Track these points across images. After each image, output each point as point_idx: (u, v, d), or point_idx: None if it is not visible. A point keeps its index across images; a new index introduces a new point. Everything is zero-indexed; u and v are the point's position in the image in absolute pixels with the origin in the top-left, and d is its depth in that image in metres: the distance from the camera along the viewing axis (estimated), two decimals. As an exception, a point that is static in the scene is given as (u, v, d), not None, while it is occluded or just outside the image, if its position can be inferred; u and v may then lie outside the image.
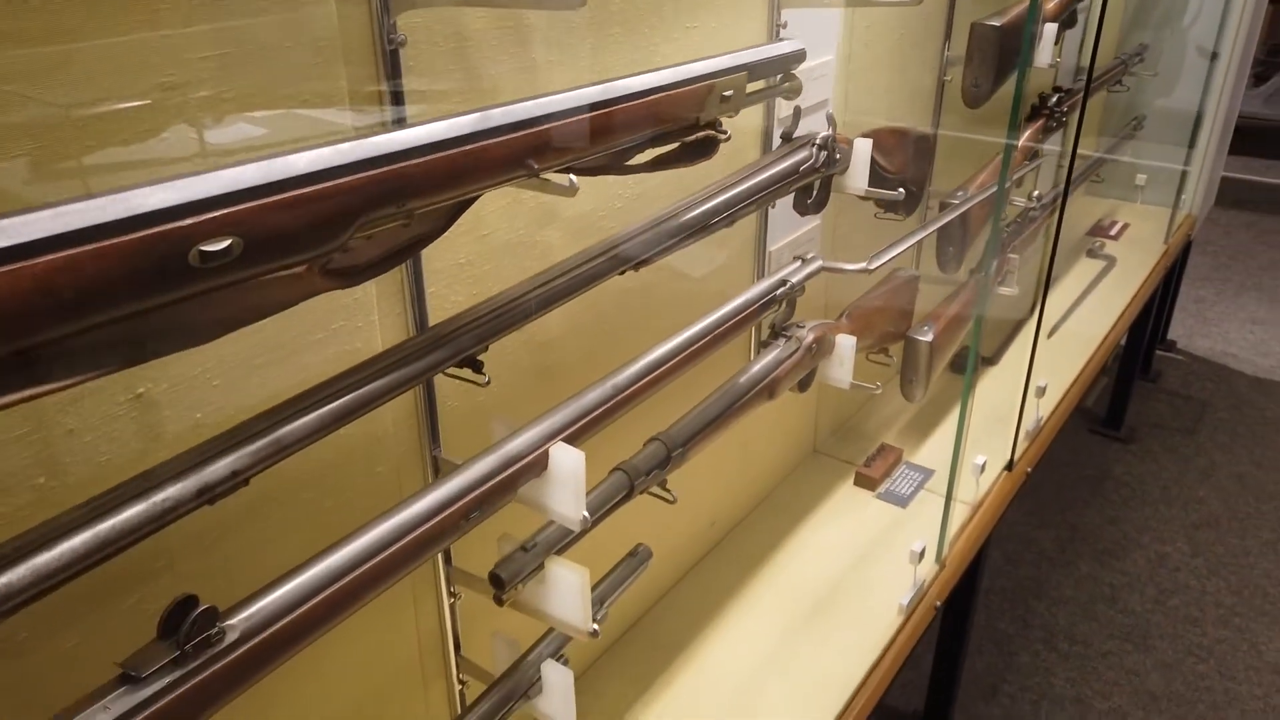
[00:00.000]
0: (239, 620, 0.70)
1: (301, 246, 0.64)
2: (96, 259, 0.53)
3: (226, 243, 0.58)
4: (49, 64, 0.67)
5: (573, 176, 0.81)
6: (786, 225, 1.66)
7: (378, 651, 1.12)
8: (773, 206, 1.56)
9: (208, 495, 0.65)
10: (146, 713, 0.64)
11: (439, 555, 1.14)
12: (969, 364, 1.74)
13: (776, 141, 1.40)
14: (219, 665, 0.68)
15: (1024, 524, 3.00)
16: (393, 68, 0.89)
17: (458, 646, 1.20)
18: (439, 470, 1.09)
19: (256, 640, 0.70)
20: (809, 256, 1.38)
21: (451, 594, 1.17)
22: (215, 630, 0.67)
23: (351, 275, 0.73)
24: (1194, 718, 2.32)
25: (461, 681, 1.22)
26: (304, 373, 0.90)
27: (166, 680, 0.65)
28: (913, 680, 2.31)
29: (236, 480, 0.67)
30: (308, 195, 0.63)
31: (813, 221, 1.73)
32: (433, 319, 1.02)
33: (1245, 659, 2.50)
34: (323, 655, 1.02)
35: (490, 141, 0.76)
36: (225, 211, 0.58)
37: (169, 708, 0.65)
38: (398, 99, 0.90)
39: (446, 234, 0.81)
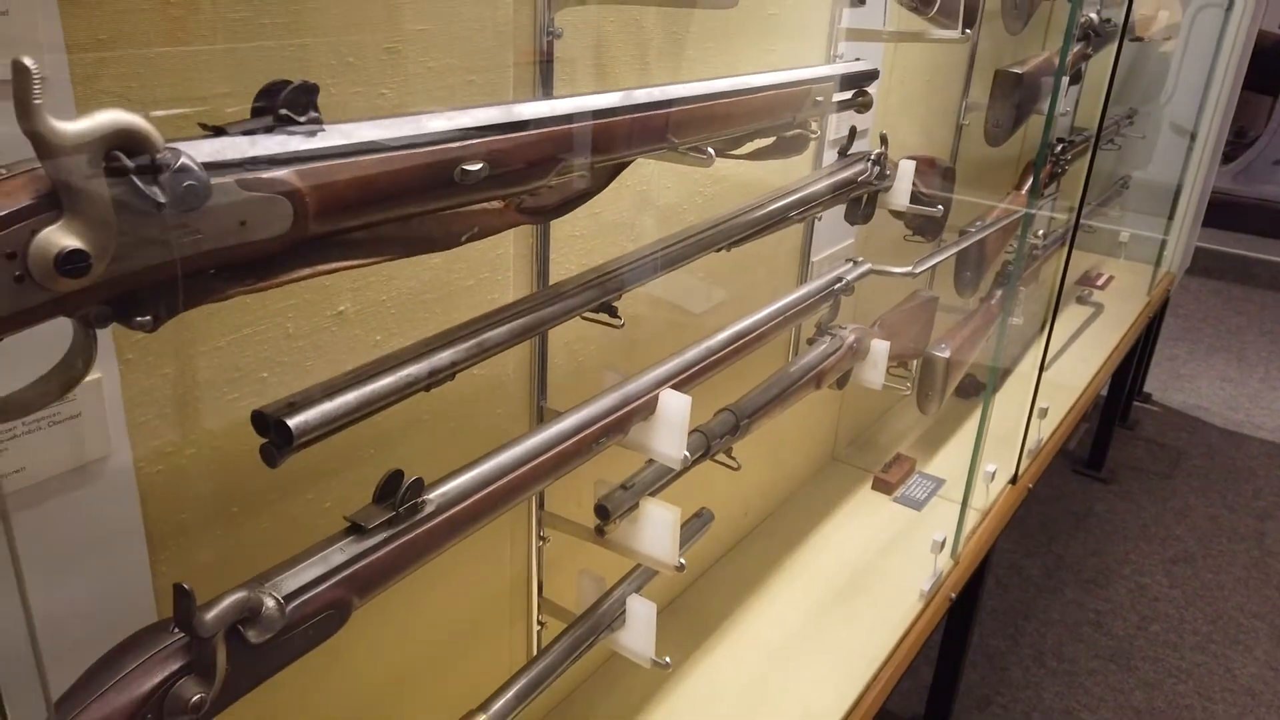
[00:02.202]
0: (435, 496, 0.82)
1: (523, 177, 0.78)
2: (399, 163, 0.67)
3: (479, 165, 0.73)
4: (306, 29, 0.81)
5: (710, 149, 0.96)
6: (827, 240, 1.82)
7: (476, 586, 1.24)
8: (819, 219, 1.73)
9: (434, 379, 0.78)
10: (368, 560, 0.76)
11: (533, 500, 1.26)
12: (989, 381, 1.90)
13: (825, 159, 1.57)
14: (422, 529, 0.80)
15: (1013, 552, 3.15)
16: (548, 55, 1.04)
17: (540, 588, 1.32)
18: (543, 418, 1.22)
19: (449, 513, 0.82)
20: (859, 260, 1.54)
21: (541, 537, 1.29)
22: (422, 499, 0.80)
23: (536, 214, 0.88)
24: (1174, 733, 2.46)
25: (541, 623, 1.33)
26: (456, 312, 1.03)
27: (384, 535, 0.78)
28: (912, 689, 2.43)
29: (452, 370, 0.80)
30: (533, 136, 0.77)
31: (848, 239, 1.89)
32: (552, 280, 1.16)
33: (1221, 681, 2.65)
34: (434, 582, 1.14)
35: (651, 113, 0.90)
36: (480, 140, 0.73)
37: (384, 558, 0.78)
38: (548, 82, 1.05)
39: (568, 216, 0.95)
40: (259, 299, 0.84)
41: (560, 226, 1.16)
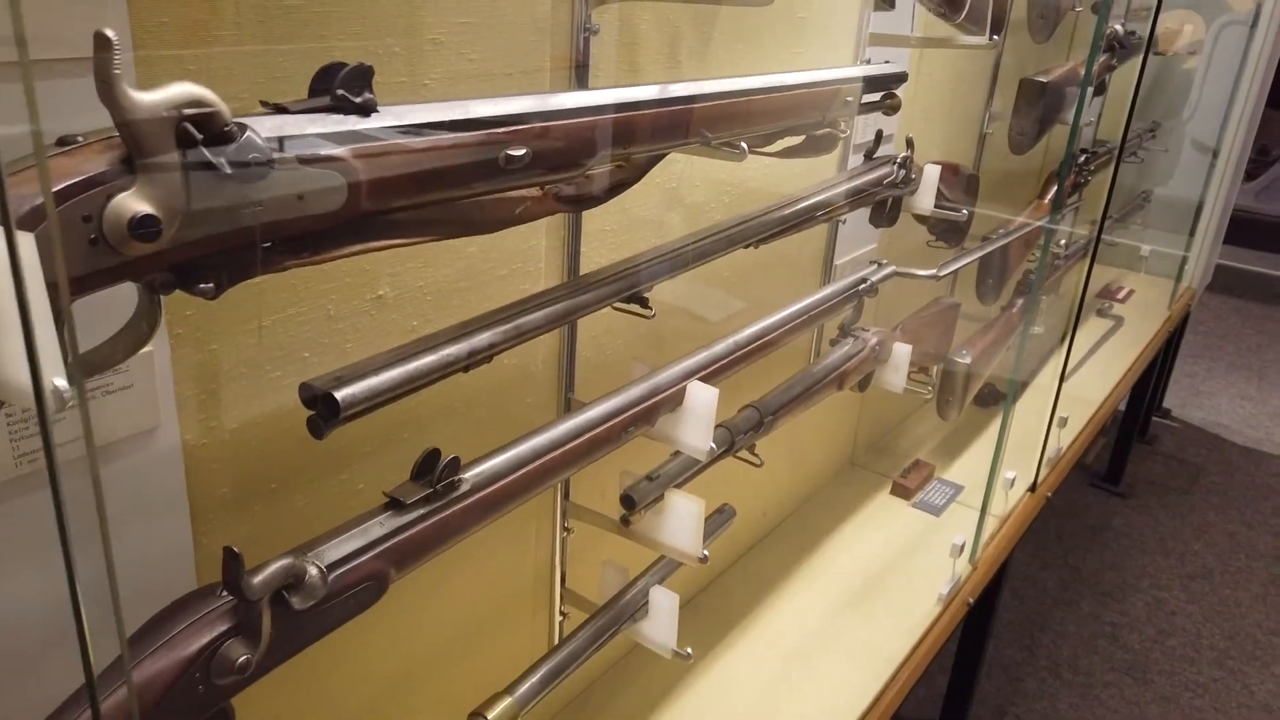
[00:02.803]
0: (471, 475, 0.84)
1: (563, 165, 0.80)
2: (448, 146, 0.69)
3: (523, 151, 0.75)
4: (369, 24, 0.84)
5: (744, 143, 0.98)
6: (850, 245, 1.83)
7: (500, 575, 1.26)
8: (843, 222, 1.74)
9: (472, 360, 0.80)
10: (406, 534, 0.78)
11: (558, 490, 1.28)
12: (1010, 388, 1.91)
13: (850, 164, 1.59)
14: (458, 507, 0.82)
15: (1029, 564, 3.14)
16: (584, 51, 1.06)
17: (563, 579, 1.33)
18: (570, 409, 1.24)
19: (484, 493, 0.84)
20: (883, 262, 1.55)
21: (565, 528, 1.31)
22: (458, 478, 0.82)
23: (573, 203, 0.90)
24: (1190, 747, 2.45)
25: (563, 613, 1.35)
26: (490, 301, 1.05)
27: (421, 511, 0.80)
28: (927, 697, 2.43)
29: (490, 352, 0.82)
30: (574, 125, 0.79)
31: (871, 244, 1.91)
32: (581, 273, 1.17)
33: (1238, 698, 2.63)
34: (459, 569, 1.16)
35: (687, 107, 0.92)
36: (525, 127, 0.75)
37: (421, 534, 0.80)
38: (584, 76, 1.07)
39: (599, 206, 0.97)
40: (303, 281, 0.86)
41: (591, 220, 1.18)
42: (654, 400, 1.06)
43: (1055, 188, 2.21)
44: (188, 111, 0.52)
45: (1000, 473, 1.93)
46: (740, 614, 1.68)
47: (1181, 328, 3.90)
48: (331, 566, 0.72)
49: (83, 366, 0.56)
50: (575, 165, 0.81)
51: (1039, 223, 2.00)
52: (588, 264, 1.19)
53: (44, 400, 0.43)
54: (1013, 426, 2.18)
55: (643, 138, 0.90)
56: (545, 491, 1.17)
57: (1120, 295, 3.48)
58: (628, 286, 1.01)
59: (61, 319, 0.46)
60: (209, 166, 0.54)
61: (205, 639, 0.64)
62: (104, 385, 0.72)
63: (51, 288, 0.45)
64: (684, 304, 1.43)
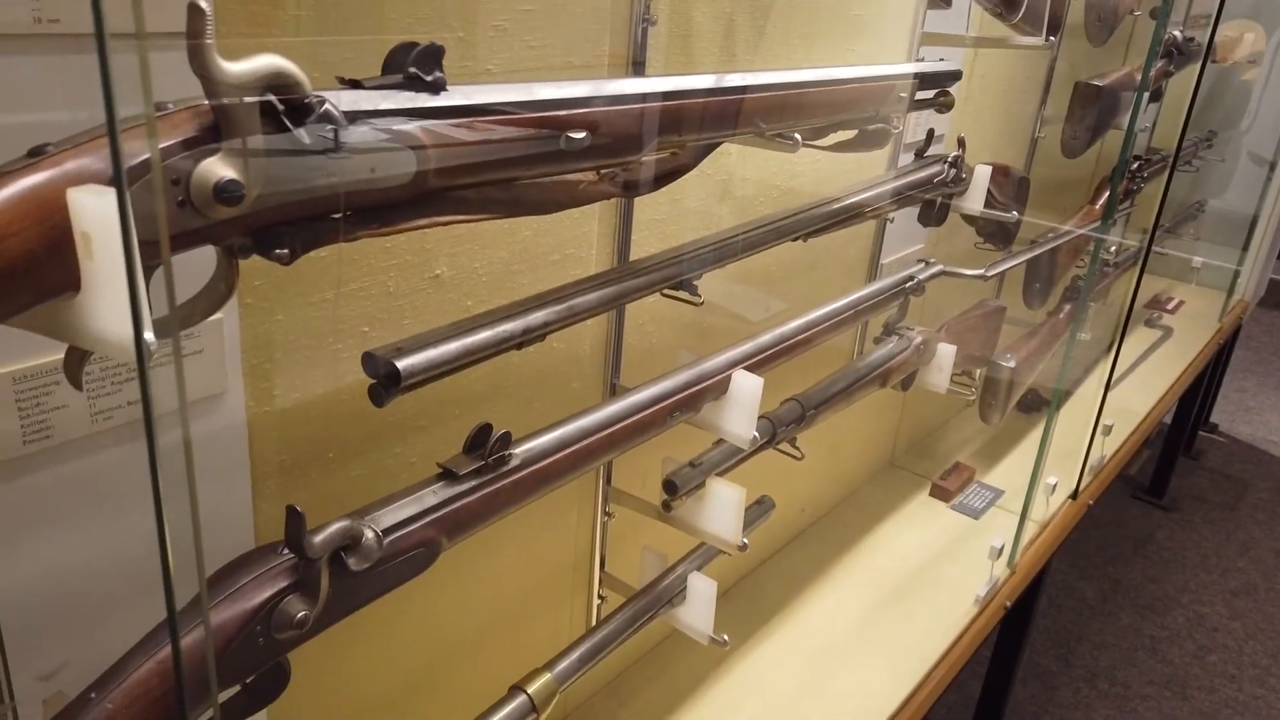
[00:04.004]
0: (521, 451, 0.86)
1: (621, 149, 0.82)
2: (513, 126, 0.71)
3: (584, 134, 0.76)
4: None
5: (797, 135, 0.99)
6: (897, 245, 1.83)
7: (542, 558, 1.28)
8: (890, 220, 1.74)
9: (527, 337, 0.82)
10: (458, 504, 0.81)
11: (600, 475, 1.30)
12: (1055, 392, 1.89)
13: (900, 163, 1.59)
14: (508, 480, 0.84)
15: (1067, 574, 3.11)
16: (642, 42, 1.08)
17: (603, 563, 1.35)
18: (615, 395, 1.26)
19: (533, 468, 0.86)
20: (930, 260, 1.55)
21: (606, 513, 1.32)
22: (509, 452, 0.84)
23: (629, 188, 0.91)
24: (1229, 765, 2.41)
25: (601, 596, 1.37)
26: (541, 284, 1.07)
27: (473, 483, 0.82)
28: (959, 702, 2.42)
29: (544, 330, 0.84)
30: (634, 110, 0.81)
31: (918, 244, 1.90)
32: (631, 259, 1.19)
33: (1280, 717, 2.59)
34: (503, 548, 1.18)
35: (743, 96, 0.94)
36: (586, 110, 0.76)
37: (472, 504, 0.82)
38: (639, 67, 1.09)
39: (651, 195, 0.98)
40: (365, 258, 0.89)
41: (642, 209, 1.19)
42: (700, 387, 1.07)
43: (1107, 194, 2.19)
44: (272, 82, 0.55)
45: (1042, 477, 1.92)
46: (774, 608, 1.69)
47: (1232, 342, 3.83)
48: (387, 531, 0.74)
49: (165, 326, 0.58)
50: (632, 150, 0.83)
51: (1090, 228, 1.99)
52: (637, 251, 1.21)
53: (144, 354, 0.45)
54: (1056, 433, 2.17)
55: (698, 125, 0.91)
56: (589, 474, 1.19)
57: (1170, 306, 3.43)
58: (678, 273, 1.02)
59: (137, 278, 0.48)
60: (289, 136, 0.56)
61: (267, 593, 0.67)
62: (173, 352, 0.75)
63: (144, 246, 0.47)
64: (729, 299, 1.44)
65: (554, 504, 1.28)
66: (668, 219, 1.25)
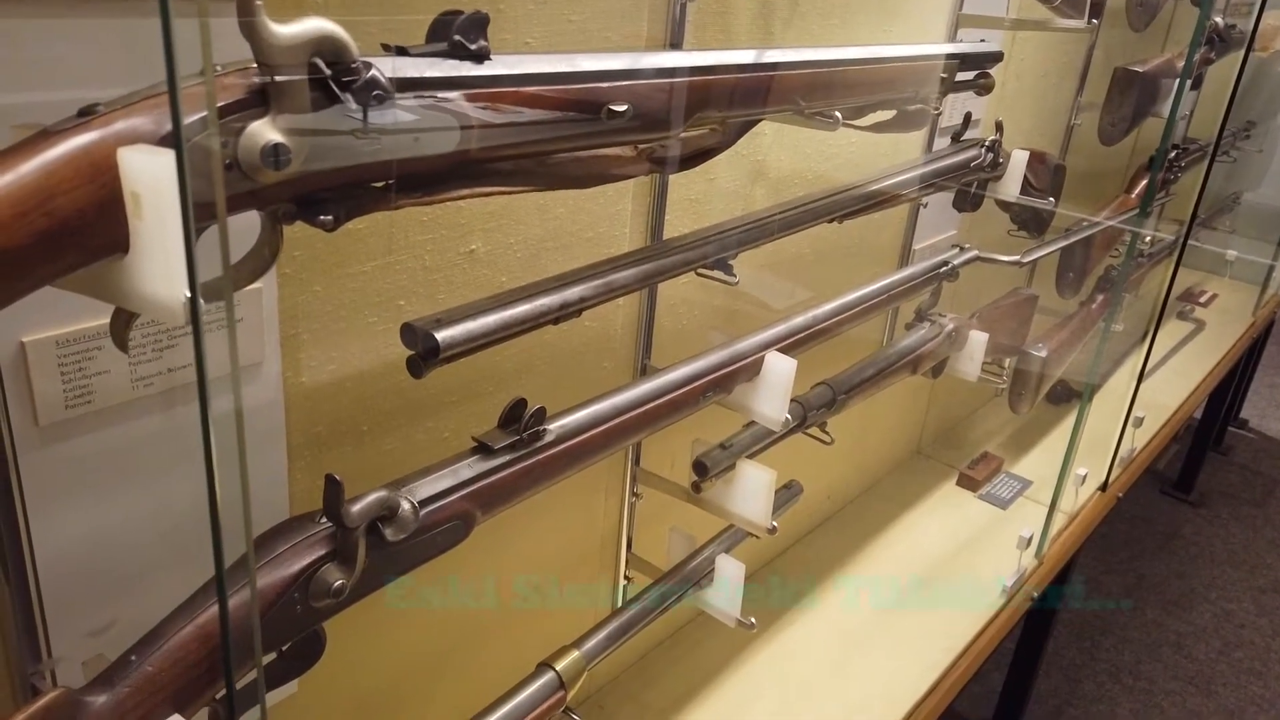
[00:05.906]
0: (555, 427, 0.86)
1: (660, 124, 0.81)
2: (555, 96, 0.70)
3: (624, 107, 0.76)
4: None
5: (838, 113, 0.98)
6: (930, 231, 1.81)
7: (570, 538, 1.28)
8: (924, 205, 1.73)
9: (563, 312, 0.82)
10: (492, 478, 0.81)
11: (629, 456, 1.30)
12: (1087, 382, 1.87)
13: (936, 147, 1.57)
14: (542, 455, 0.84)
15: (1094, 567, 3.08)
16: (680, 18, 1.07)
17: (630, 544, 1.35)
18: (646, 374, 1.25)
19: (566, 444, 0.86)
20: (965, 246, 1.53)
21: (634, 494, 1.32)
22: (543, 428, 0.84)
23: (665, 164, 0.90)
24: (1254, 762, 2.39)
25: (628, 578, 1.37)
26: (575, 262, 1.06)
27: (507, 457, 0.82)
28: (982, 694, 2.40)
29: (580, 306, 0.83)
30: (674, 84, 0.80)
31: (951, 230, 1.88)
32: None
33: (1307, 716, 2.56)
34: (533, 527, 1.18)
35: (784, 73, 0.93)
36: (627, 83, 0.76)
37: (506, 479, 0.82)
38: (680, 43, 1.08)
39: (685, 175, 0.98)
40: (401, 231, 0.89)
41: (676, 188, 1.19)
42: (733, 367, 1.07)
43: (1144, 183, 2.16)
44: (320, 46, 0.54)
45: (1072, 467, 1.90)
46: (799, 594, 1.68)
47: (1265, 337, 3.78)
48: (423, 503, 0.74)
49: (210, 289, 0.58)
50: (671, 125, 0.82)
51: (1126, 216, 1.96)
52: (671, 230, 1.20)
53: (199, 317, 0.45)
54: (1086, 423, 2.14)
55: (738, 101, 0.90)
56: (617, 455, 1.19)
57: (1203, 299, 3.38)
58: (713, 252, 1.02)
59: (191, 238, 0.48)
60: (336, 100, 0.56)
61: (305, 561, 0.67)
62: (218, 319, 0.75)
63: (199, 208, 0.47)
64: (761, 284, 1.43)
65: (582, 485, 1.28)
66: (702, 198, 1.24)
